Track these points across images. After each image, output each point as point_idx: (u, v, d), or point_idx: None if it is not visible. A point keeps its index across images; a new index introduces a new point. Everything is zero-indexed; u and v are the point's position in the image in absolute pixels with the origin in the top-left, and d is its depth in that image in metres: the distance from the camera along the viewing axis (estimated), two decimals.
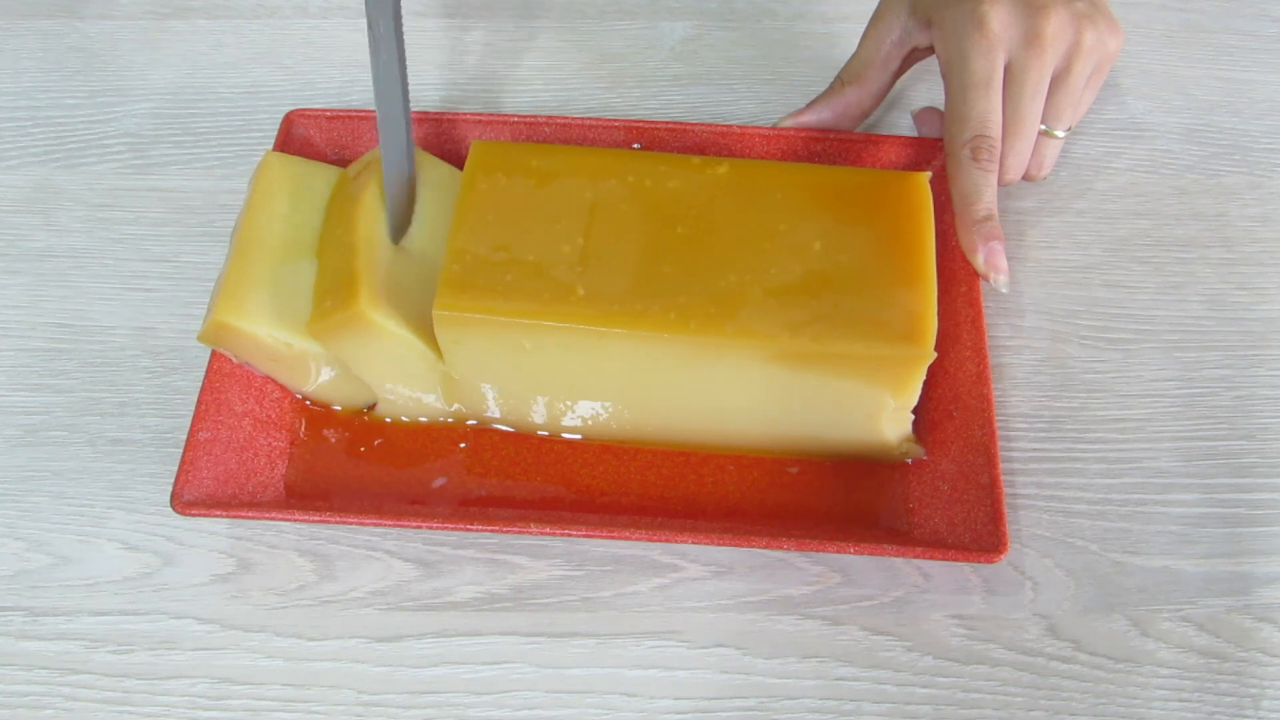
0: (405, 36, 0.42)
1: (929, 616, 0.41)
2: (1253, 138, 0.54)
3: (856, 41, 0.51)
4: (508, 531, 0.40)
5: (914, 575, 0.42)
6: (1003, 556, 0.38)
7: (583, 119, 0.49)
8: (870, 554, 0.39)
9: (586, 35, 0.59)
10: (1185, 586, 0.42)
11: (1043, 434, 0.45)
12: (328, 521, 0.40)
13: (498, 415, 0.44)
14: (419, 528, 0.42)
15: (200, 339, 0.42)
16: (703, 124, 0.49)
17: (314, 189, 0.46)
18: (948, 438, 0.43)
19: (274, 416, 0.44)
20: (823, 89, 0.51)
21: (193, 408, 0.42)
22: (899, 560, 0.42)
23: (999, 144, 0.45)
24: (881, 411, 0.41)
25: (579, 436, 0.45)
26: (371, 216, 0.43)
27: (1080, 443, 0.45)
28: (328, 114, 0.50)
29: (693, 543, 0.40)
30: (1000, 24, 0.44)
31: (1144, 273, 0.50)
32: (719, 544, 0.40)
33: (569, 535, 0.40)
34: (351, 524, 0.41)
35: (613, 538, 0.40)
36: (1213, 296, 0.49)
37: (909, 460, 0.44)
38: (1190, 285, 0.49)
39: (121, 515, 0.44)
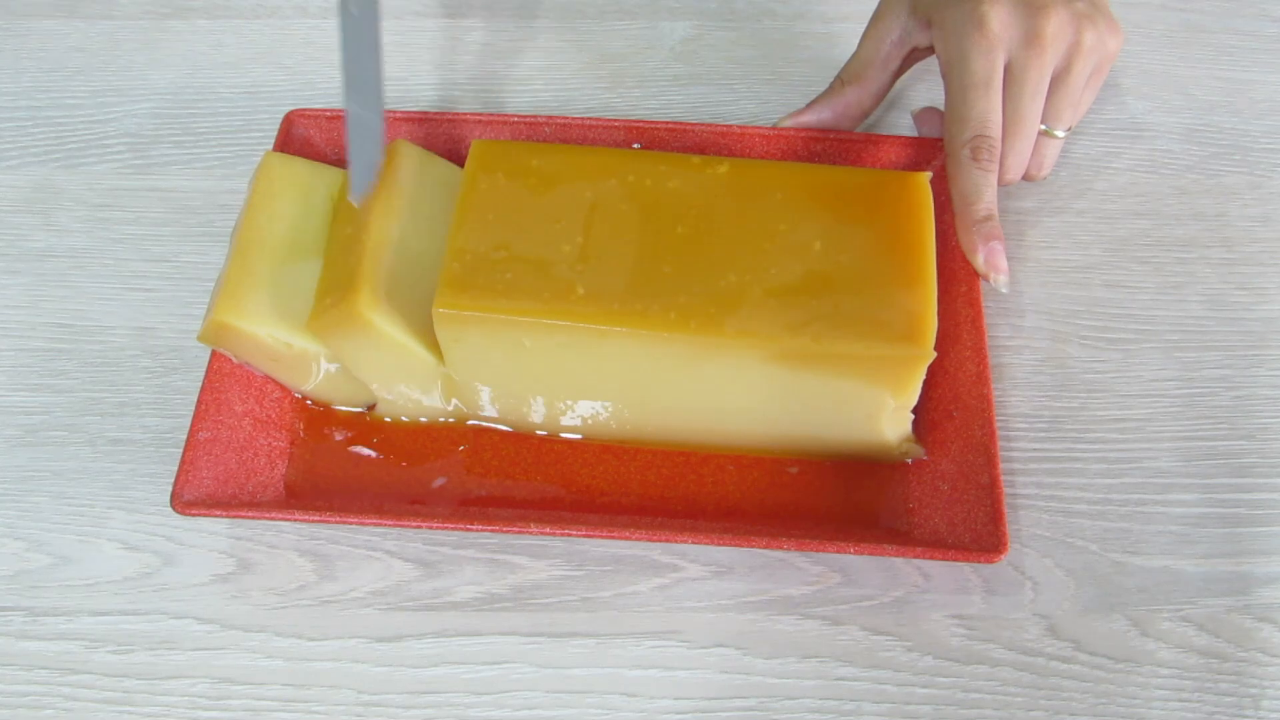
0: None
1: (929, 616, 0.41)
2: (1253, 138, 0.54)
3: (856, 41, 0.51)
4: (508, 531, 0.40)
5: (914, 575, 0.42)
6: (1003, 556, 0.38)
7: (583, 119, 0.49)
8: (870, 554, 0.39)
9: (586, 35, 0.59)
10: (1185, 586, 0.42)
11: (1043, 434, 0.45)
12: (328, 521, 0.40)
13: (497, 415, 0.44)
14: (419, 528, 0.42)
15: (200, 339, 0.42)
16: (703, 124, 0.49)
17: (314, 189, 0.46)
18: (948, 438, 0.43)
19: (274, 416, 0.44)
20: (823, 89, 0.51)
21: (193, 408, 0.42)
22: (899, 560, 0.42)
23: (999, 144, 0.45)
24: (881, 411, 0.41)
25: (579, 436, 0.45)
26: (380, 217, 0.42)
27: (1080, 443, 0.45)
28: (328, 114, 0.50)
29: (693, 543, 0.40)
30: (1000, 24, 0.44)
31: (1144, 273, 0.50)
32: (719, 544, 0.40)
33: (569, 535, 0.40)
34: (351, 524, 0.41)
35: (613, 538, 0.40)
36: (1213, 296, 0.49)
37: (909, 460, 0.44)
38: (1190, 285, 0.49)
39: (121, 515, 0.44)
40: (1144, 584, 0.42)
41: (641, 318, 0.39)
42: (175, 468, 0.41)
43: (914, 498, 0.43)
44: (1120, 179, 0.53)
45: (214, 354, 0.43)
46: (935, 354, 0.39)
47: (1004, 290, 0.45)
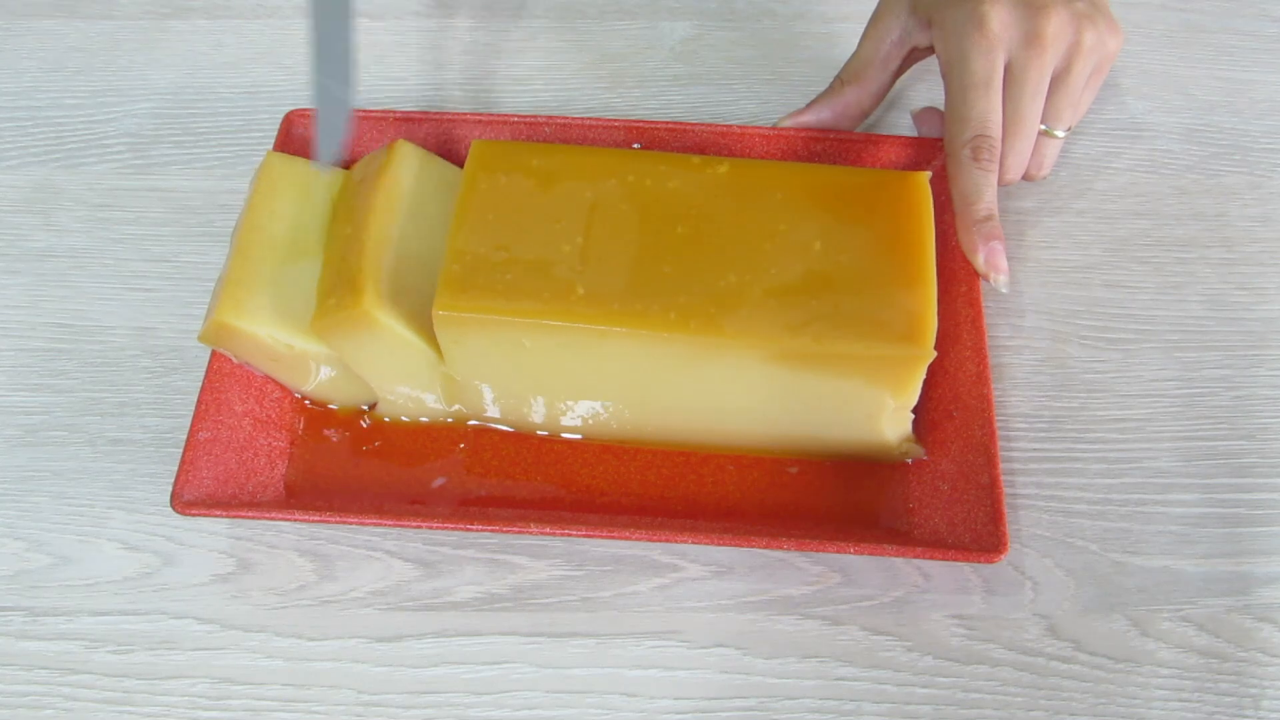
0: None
1: (929, 616, 0.41)
2: (1253, 138, 0.54)
3: (856, 41, 0.51)
4: (508, 531, 0.40)
5: (914, 575, 0.42)
6: (1003, 556, 0.38)
7: (583, 119, 0.49)
8: (870, 554, 0.39)
9: (586, 35, 0.59)
10: (1185, 586, 0.42)
11: (1043, 434, 0.45)
12: (328, 521, 0.40)
13: (498, 415, 0.44)
14: (419, 528, 0.42)
15: (200, 339, 0.42)
16: (703, 124, 0.49)
17: (314, 189, 0.46)
18: (948, 438, 0.43)
19: (274, 416, 0.44)
20: (823, 89, 0.51)
21: (193, 408, 0.42)
22: (899, 560, 0.42)
23: (999, 144, 0.45)
24: (881, 411, 0.41)
25: (579, 436, 0.45)
26: (380, 217, 0.42)
27: (1080, 443, 0.45)
28: None
29: (693, 543, 0.40)
30: (1001, 24, 0.44)
31: (1144, 273, 0.50)
32: (719, 544, 0.40)
33: (569, 535, 0.40)
34: (351, 524, 0.41)
35: (613, 538, 0.40)
36: (1213, 296, 0.49)
37: (909, 460, 0.44)
38: (1190, 285, 0.49)
39: (121, 515, 0.44)
40: (1144, 584, 0.42)
41: (641, 318, 0.39)
42: (175, 468, 0.41)
43: (914, 498, 0.43)
44: (1120, 179, 0.53)
45: (214, 354, 0.43)
46: (935, 354, 0.39)
47: (1004, 290, 0.45)
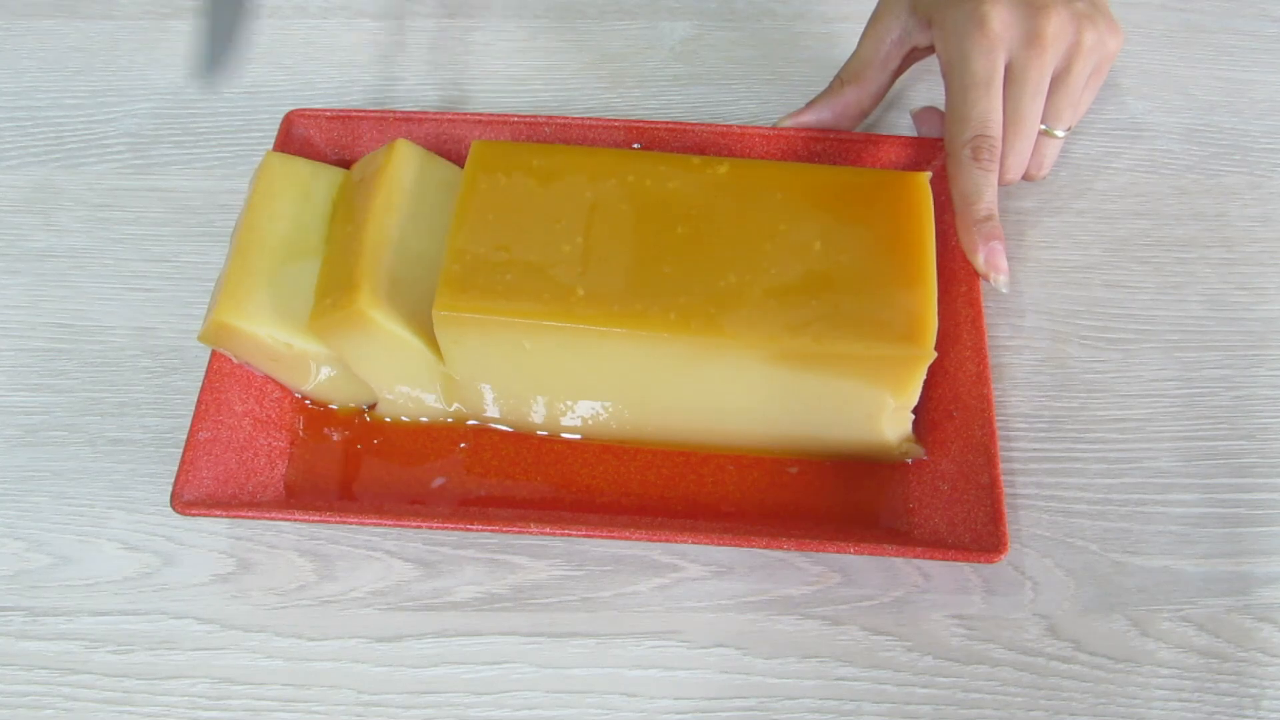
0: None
1: (929, 616, 0.41)
2: (1253, 138, 0.54)
3: (856, 41, 0.51)
4: (508, 531, 0.40)
5: (914, 575, 0.42)
6: (1003, 556, 0.38)
7: (583, 119, 0.49)
8: (870, 554, 0.39)
9: (586, 35, 0.59)
10: (1185, 586, 0.42)
11: (1043, 434, 0.45)
12: (328, 521, 0.40)
13: (497, 415, 0.44)
14: (419, 528, 0.42)
15: (200, 339, 0.42)
16: (703, 124, 0.49)
17: (314, 189, 0.46)
18: (948, 438, 0.43)
19: (274, 416, 0.44)
20: (823, 89, 0.51)
21: (193, 408, 0.42)
22: (899, 560, 0.42)
23: (999, 144, 0.45)
24: (881, 411, 0.41)
25: (579, 436, 0.45)
26: (379, 217, 0.42)
27: (1080, 443, 0.45)
28: (328, 114, 0.50)
29: (693, 543, 0.40)
30: (1001, 24, 0.44)
31: (1144, 273, 0.50)
32: (719, 544, 0.40)
33: (569, 535, 0.40)
34: (351, 524, 0.41)
35: (613, 538, 0.40)
36: (1213, 296, 0.49)
37: (909, 460, 0.44)
38: (1190, 285, 0.49)
39: (121, 515, 0.44)
40: (1144, 584, 0.42)
41: (641, 318, 0.39)
42: (175, 468, 0.41)
43: (914, 498, 0.43)
44: (1120, 179, 0.53)
45: (214, 354, 0.43)
46: (935, 354, 0.39)
47: (1004, 290, 0.45)
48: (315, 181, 0.46)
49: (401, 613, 0.42)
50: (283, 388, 0.45)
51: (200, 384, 0.43)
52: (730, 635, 0.41)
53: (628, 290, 0.39)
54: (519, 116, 0.49)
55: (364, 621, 0.41)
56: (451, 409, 0.45)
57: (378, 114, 0.49)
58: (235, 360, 0.44)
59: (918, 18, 0.48)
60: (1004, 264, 0.44)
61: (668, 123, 0.49)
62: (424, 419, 0.45)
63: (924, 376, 0.40)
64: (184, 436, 0.43)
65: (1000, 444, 0.41)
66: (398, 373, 0.43)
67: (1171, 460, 0.45)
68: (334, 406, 0.45)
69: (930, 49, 0.49)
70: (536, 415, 0.44)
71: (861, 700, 0.40)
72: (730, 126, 0.49)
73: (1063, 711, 0.39)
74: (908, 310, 0.39)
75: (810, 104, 0.51)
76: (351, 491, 0.44)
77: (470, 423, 0.45)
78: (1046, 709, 0.39)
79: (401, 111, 0.50)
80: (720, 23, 0.60)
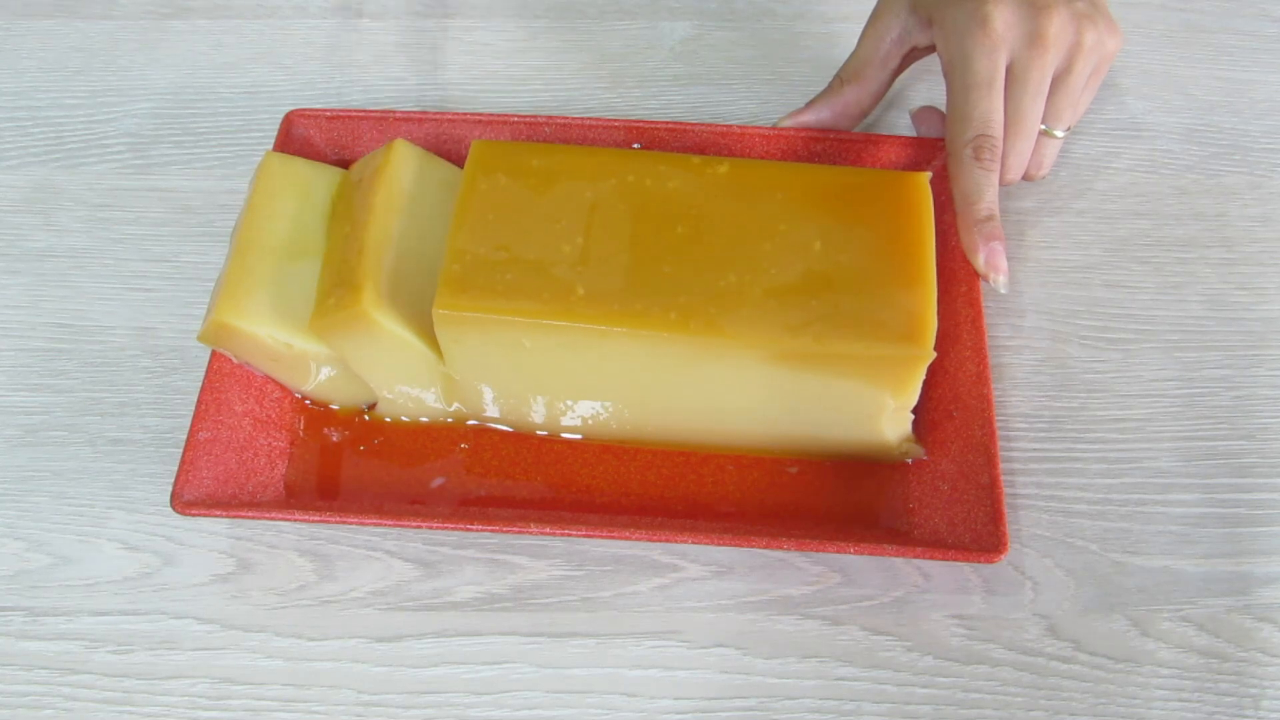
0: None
1: (929, 616, 0.41)
2: (1253, 138, 0.54)
3: (856, 41, 0.51)
4: (508, 531, 0.40)
5: (914, 575, 0.42)
6: (1003, 556, 0.38)
7: (583, 119, 0.49)
8: (870, 554, 0.39)
9: (586, 35, 0.59)
10: (1185, 586, 0.42)
11: (1043, 434, 0.45)
12: (328, 521, 0.40)
13: (497, 415, 0.44)
14: (419, 528, 0.42)
15: (200, 339, 0.42)
16: (703, 124, 0.49)
17: (314, 189, 0.46)
18: (948, 438, 0.43)
19: (274, 416, 0.44)
20: (823, 89, 0.51)
21: (193, 408, 0.42)
22: (899, 560, 0.42)
23: (1001, 143, 0.45)
24: (881, 411, 0.41)
25: (579, 436, 0.45)
26: (380, 216, 0.42)
27: (1080, 443, 0.45)
28: (328, 114, 0.50)
29: (693, 543, 0.40)
30: (1004, 24, 0.44)
31: (1144, 273, 0.50)
32: (719, 544, 0.40)
33: (569, 535, 0.40)
34: (351, 524, 0.41)
35: (613, 538, 0.40)
36: (1213, 296, 0.49)
37: (909, 460, 0.44)
38: (1190, 285, 0.49)
39: (121, 515, 0.44)
40: (1144, 584, 0.42)
41: (641, 318, 0.39)
42: (175, 468, 0.41)
43: (914, 498, 0.43)
44: (1120, 179, 0.53)
45: (214, 354, 0.43)
46: (935, 354, 0.39)
47: (1003, 291, 0.45)
48: (315, 181, 0.46)
49: (401, 613, 0.42)
50: (283, 388, 0.45)
51: (200, 384, 0.43)
52: (730, 635, 0.41)
53: (628, 290, 0.39)
54: (519, 116, 0.49)
55: (364, 621, 0.41)
56: (451, 409, 0.45)
57: (377, 114, 0.49)
58: (235, 360, 0.44)
59: (918, 17, 0.48)
60: (1004, 264, 0.44)
61: (668, 123, 0.49)
62: (424, 419, 0.45)
63: (924, 376, 0.40)
64: (184, 436, 0.43)
65: (1000, 444, 0.41)
66: (398, 372, 0.43)
67: (1171, 460, 0.45)
68: (334, 406, 0.45)
69: (929, 49, 0.49)
70: (536, 415, 0.44)
71: (861, 700, 0.40)
72: (730, 126, 0.49)
73: (1063, 711, 0.39)
74: (907, 310, 0.39)
75: (810, 104, 0.51)
76: (352, 491, 0.43)
77: (470, 423, 0.45)
78: (1046, 709, 0.39)
79: (401, 111, 0.50)
80: (720, 23, 0.60)
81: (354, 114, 0.49)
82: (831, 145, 0.50)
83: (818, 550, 0.39)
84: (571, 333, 0.39)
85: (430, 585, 0.42)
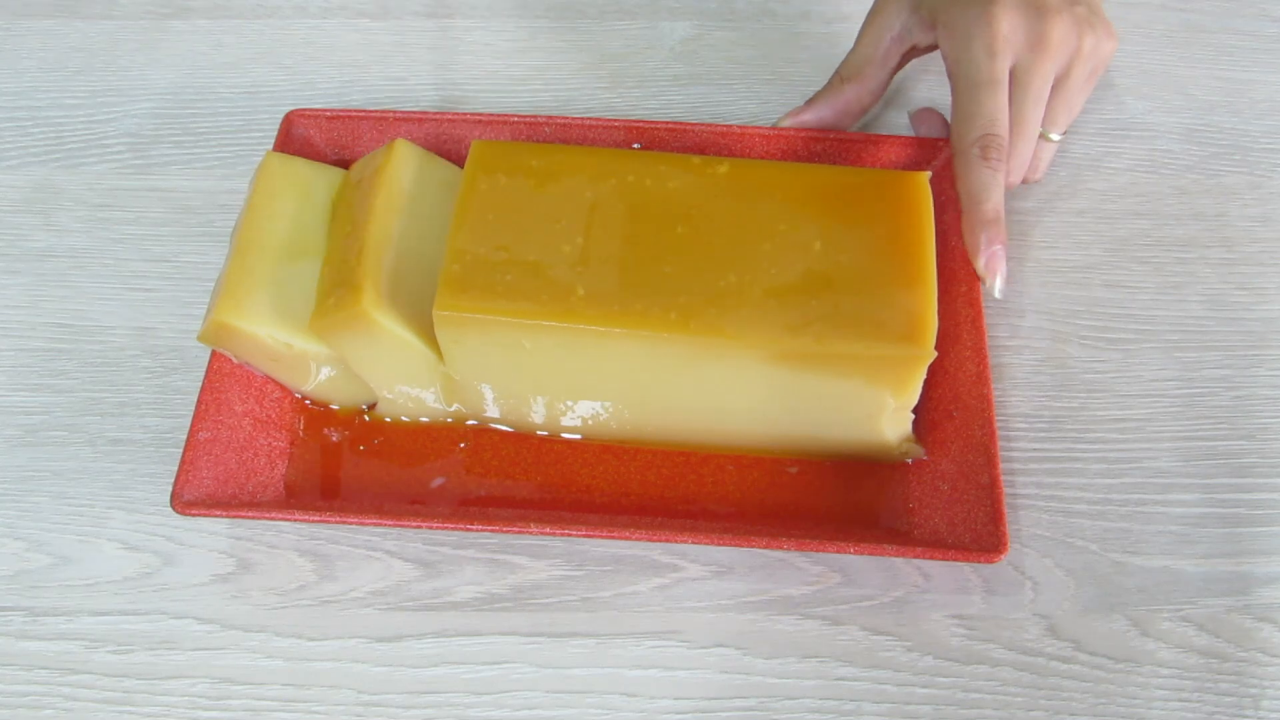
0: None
1: (929, 616, 0.41)
2: (1253, 138, 0.54)
3: (855, 39, 0.50)
4: (508, 531, 0.40)
5: (914, 575, 0.42)
6: (1003, 556, 0.38)
7: (583, 119, 0.49)
8: (870, 554, 0.39)
9: (586, 35, 0.59)
10: (1185, 586, 0.42)
11: (1043, 434, 0.45)
12: (328, 521, 0.40)
13: (497, 415, 0.44)
14: (419, 528, 0.42)
15: (200, 339, 0.42)
16: (703, 124, 0.49)
17: (314, 189, 0.46)
18: (948, 438, 0.43)
19: (274, 416, 0.44)
20: (822, 87, 0.51)
21: (193, 408, 0.42)
22: (899, 560, 0.42)
23: (1007, 143, 0.45)
24: (881, 411, 0.41)
25: (579, 436, 0.45)
26: (380, 216, 0.42)
27: (1080, 443, 0.45)
28: (328, 114, 0.50)
29: (693, 543, 0.40)
30: (1009, 26, 0.44)
31: (1144, 273, 0.50)
32: (719, 544, 0.40)
33: (569, 535, 0.40)
34: (351, 524, 0.41)
35: (613, 538, 0.40)
36: (1213, 296, 0.49)
37: (909, 460, 0.44)
38: (1190, 285, 0.49)
39: (121, 515, 0.44)
40: (1144, 584, 0.42)
41: (641, 318, 0.39)
42: (175, 468, 0.41)
43: (914, 498, 0.43)
44: (1120, 179, 0.53)
45: (214, 354, 0.43)
46: (935, 354, 0.39)
47: (997, 295, 0.44)
48: (315, 181, 0.46)
49: (401, 613, 0.42)
50: (283, 388, 0.45)
51: (200, 384, 0.43)
52: (730, 635, 0.41)
53: (628, 290, 0.39)
54: (519, 116, 0.49)
55: (364, 621, 0.41)
56: (451, 409, 0.45)
57: (377, 114, 0.49)
58: (235, 360, 0.44)
59: (919, 16, 0.48)
60: (1003, 269, 0.44)
61: (668, 123, 0.49)
62: (424, 419, 0.45)
63: (924, 376, 0.40)
64: (184, 436, 0.43)
65: (1000, 444, 0.42)
66: (398, 372, 0.43)
67: (1171, 460, 0.45)
68: (334, 406, 0.45)
69: (929, 48, 0.49)
70: (536, 415, 0.44)
71: (861, 700, 0.40)
72: (730, 126, 0.49)
73: (1063, 711, 0.39)
74: (908, 310, 0.39)
75: (810, 102, 0.51)
76: (352, 491, 0.43)
77: (470, 423, 0.45)
78: (1046, 709, 0.39)
79: (401, 111, 0.50)
80: (720, 23, 0.60)
81: (354, 114, 0.49)
82: (831, 145, 0.50)
83: (818, 550, 0.39)
84: (571, 333, 0.39)
85: (430, 585, 0.42)
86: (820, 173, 0.43)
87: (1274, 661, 0.40)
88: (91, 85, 0.57)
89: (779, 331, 0.39)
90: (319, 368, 0.44)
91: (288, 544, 0.43)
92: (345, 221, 0.44)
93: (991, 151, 0.44)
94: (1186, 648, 0.41)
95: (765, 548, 0.41)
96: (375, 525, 0.42)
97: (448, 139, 0.49)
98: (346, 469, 0.44)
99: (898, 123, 0.55)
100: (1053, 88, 0.46)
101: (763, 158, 0.49)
